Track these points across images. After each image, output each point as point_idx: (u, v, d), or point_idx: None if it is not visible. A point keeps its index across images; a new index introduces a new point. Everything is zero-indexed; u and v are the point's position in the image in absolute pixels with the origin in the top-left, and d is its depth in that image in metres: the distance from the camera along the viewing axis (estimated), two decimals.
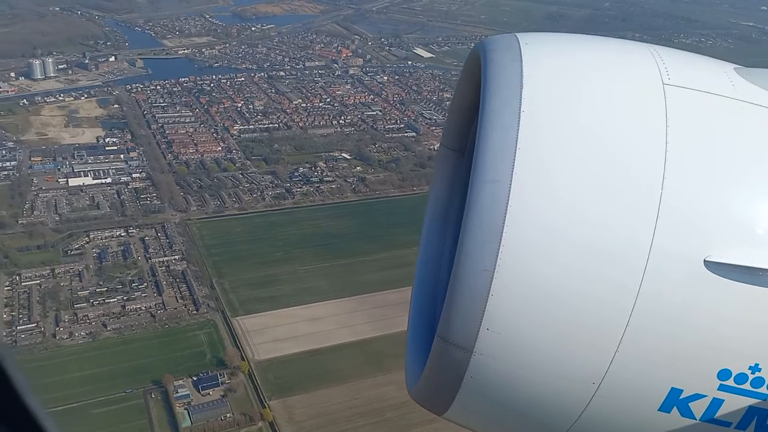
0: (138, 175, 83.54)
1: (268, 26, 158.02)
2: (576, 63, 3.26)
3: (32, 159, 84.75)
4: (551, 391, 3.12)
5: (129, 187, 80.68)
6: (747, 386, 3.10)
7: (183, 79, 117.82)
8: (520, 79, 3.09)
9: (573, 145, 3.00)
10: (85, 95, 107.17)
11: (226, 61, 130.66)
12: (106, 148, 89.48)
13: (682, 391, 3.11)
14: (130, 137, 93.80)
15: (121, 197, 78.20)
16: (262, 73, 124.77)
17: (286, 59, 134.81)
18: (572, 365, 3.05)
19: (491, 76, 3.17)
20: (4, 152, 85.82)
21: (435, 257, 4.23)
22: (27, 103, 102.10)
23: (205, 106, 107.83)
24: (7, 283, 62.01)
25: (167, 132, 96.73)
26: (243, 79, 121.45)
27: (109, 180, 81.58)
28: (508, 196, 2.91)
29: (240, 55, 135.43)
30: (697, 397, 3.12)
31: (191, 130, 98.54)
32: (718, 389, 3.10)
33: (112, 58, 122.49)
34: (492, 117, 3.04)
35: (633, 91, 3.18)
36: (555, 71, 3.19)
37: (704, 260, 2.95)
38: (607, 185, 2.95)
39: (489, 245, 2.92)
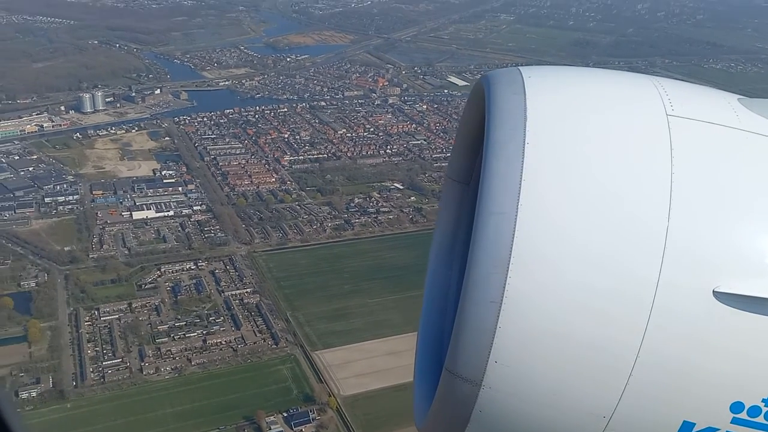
0: (198, 207, 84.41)
1: (303, 57, 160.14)
2: (579, 95, 3.30)
3: (94, 192, 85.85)
4: (562, 425, 3.07)
5: (192, 219, 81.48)
6: (761, 419, 3.04)
7: (228, 111, 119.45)
8: (523, 111, 3.13)
9: (578, 177, 3.01)
10: (136, 128, 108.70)
11: (266, 92, 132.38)
12: (164, 181, 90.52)
13: (695, 424, 3.06)
14: (185, 170, 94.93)
15: (186, 230, 78.96)
16: (304, 104, 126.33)
17: (325, 89, 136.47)
18: (582, 399, 3.02)
19: (495, 108, 3.21)
20: (65, 186, 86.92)
21: (442, 290, 4.23)
22: (80, 136, 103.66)
23: (253, 138, 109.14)
24: (87, 318, 62.50)
25: (220, 164, 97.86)
26: (286, 109, 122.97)
27: (171, 213, 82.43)
28: (514, 228, 2.91)
29: (279, 86, 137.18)
30: (710, 430, 3.06)
31: (243, 161, 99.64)
32: (731, 422, 3.05)
33: (158, 91, 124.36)
34: (497, 149, 3.07)
35: (637, 122, 3.19)
36: (558, 104, 3.23)
37: (713, 291, 2.93)
38: (612, 217, 2.95)
39: (496, 277, 2.92)
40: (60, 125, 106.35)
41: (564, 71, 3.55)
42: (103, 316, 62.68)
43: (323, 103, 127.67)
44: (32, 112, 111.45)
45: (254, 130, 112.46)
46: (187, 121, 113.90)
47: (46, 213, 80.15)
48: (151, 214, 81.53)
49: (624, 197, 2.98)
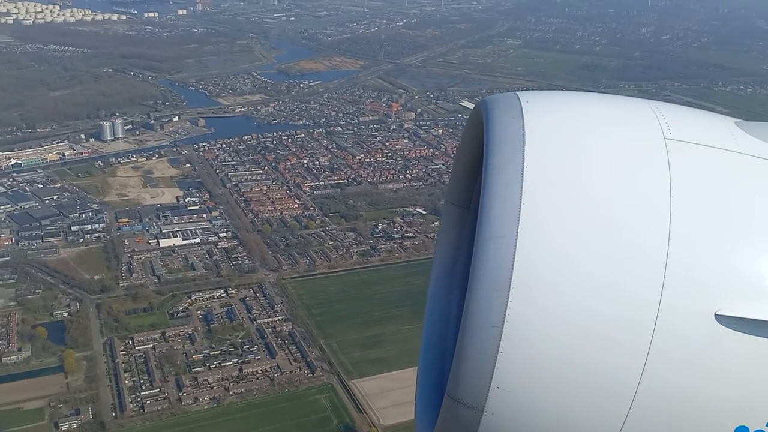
0: (224, 234, 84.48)
1: (316, 82, 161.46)
2: (577, 120, 3.30)
3: (119, 221, 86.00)
4: None
5: (218, 247, 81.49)
6: None
7: (246, 137, 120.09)
8: (522, 136, 3.13)
9: (577, 201, 3.01)
10: (156, 155, 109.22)
11: (282, 118, 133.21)
12: (188, 208, 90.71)
13: None
14: (208, 196, 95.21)
15: (213, 257, 78.93)
16: (321, 129, 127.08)
17: (340, 114, 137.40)
18: (585, 425, 2.99)
19: (494, 133, 3.22)
20: (90, 214, 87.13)
21: (442, 314, 4.19)
22: (102, 164, 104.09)
23: (273, 164, 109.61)
24: (122, 347, 62.23)
25: (242, 190, 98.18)
26: (303, 135, 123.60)
27: (197, 240, 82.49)
28: (514, 252, 2.91)
29: (295, 111, 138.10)
30: None
31: (265, 187, 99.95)
32: None
33: (176, 118, 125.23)
34: (496, 173, 3.07)
35: (635, 146, 3.18)
36: (556, 128, 3.23)
37: (715, 314, 2.92)
38: (612, 241, 2.94)
39: (496, 301, 2.90)
40: (81, 153, 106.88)
41: (561, 96, 3.59)
42: (137, 346, 62.41)
43: (339, 129, 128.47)
44: (52, 141, 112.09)
45: (273, 156, 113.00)
46: (206, 148, 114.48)
47: (73, 241, 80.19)
48: (177, 241, 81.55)
49: (624, 221, 2.98)
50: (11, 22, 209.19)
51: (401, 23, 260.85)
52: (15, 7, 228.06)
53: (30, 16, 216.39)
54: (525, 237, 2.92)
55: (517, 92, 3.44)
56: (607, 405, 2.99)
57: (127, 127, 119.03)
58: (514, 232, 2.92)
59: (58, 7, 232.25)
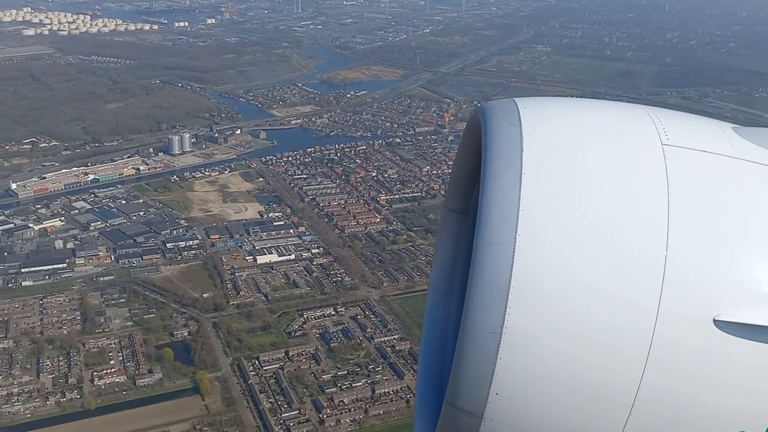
0: (317, 250, 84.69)
1: (361, 92, 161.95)
2: (575, 126, 3.32)
3: (211, 237, 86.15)
4: None
5: (314, 263, 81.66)
6: None
7: (309, 150, 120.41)
8: (520, 142, 3.15)
9: (575, 207, 3.02)
10: (227, 169, 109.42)
11: (339, 130, 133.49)
12: (274, 224, 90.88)
13: None
14: (290, 211, 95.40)
15: (313, 274, 79.11)
16: (380, 141, 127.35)
17: (395, 125, 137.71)
18: (585, 431, 2.99)
19: (492, 139, 3.24)
20: (181, 231, 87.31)
21: (441, 320, 4.18)
22: (177, 179, 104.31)
23: (342, 176, 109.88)
24: (251, 367, 62.39)
25: (321, 204, 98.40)
26: (364, 147, 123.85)
27: (292, 257, 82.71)
28: (513, 258, 2.91)
29: (350, 123, 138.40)
30: None
31: (342, 201, 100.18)
32: None
33: (238, 131, 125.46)
34: (494, 179, 3.08)
35: (633, 151, 3.20)
36: (554, 134, 3.25)
37: (713, 320, 2.91)
38: (610, 246, 2.95)
39: (495, 307, 2.90)
40: (155, 168, 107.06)
41: (559, 102, 3.61)
42: (264, 366, 62.55)
43: (398, 140, 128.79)
44: (123, 155, 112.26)
45: (341, 168, 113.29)
46: (273, 161, 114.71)
47: (172, 259, 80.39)
48: (273, 258, 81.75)
49: (622, 226, 2.99)
50: (47, 32, 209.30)
51: (428, 30, 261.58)
52: (47, 18, 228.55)
53: (64, 27, 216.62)
54: (523, 243, 2.93)
55: (514, 99, 3.48)
56: (607, 411, 2.98)
57: (192, 140, 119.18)
58: (513, 238, 2.94)
59: (88, 17, 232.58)
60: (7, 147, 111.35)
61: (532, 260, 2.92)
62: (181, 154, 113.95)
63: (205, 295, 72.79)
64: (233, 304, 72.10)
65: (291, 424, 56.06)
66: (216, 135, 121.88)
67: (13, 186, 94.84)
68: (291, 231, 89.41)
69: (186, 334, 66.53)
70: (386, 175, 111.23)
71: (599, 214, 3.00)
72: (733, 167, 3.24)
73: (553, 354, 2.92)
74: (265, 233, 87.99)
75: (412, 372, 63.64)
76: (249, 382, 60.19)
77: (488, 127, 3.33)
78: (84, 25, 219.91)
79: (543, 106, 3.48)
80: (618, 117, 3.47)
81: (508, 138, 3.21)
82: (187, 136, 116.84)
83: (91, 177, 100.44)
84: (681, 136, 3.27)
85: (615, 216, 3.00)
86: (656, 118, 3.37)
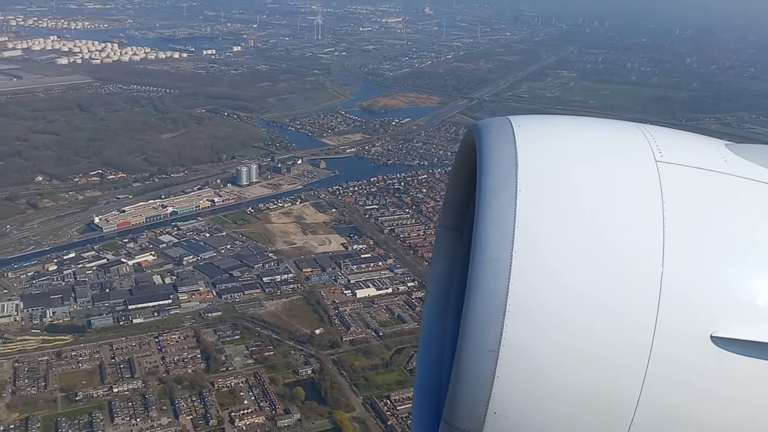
0: (412, 283, 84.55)
1: (405, 120, 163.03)
2: (569, 143, 3.32)
3: (303, 270, 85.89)
4: None
5: (413, 296, 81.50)
6: None
7: (372, 179, 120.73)
8: (515, 159, 3.15)
9: (571, 224, 3.02)
10: (298, 200, 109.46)
11: (396, 158, 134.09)
12: (362, 256, 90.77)
13: None
14: (372, 243, 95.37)
15: (416, 308, 78.86)
16: (438, 169, 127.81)
17: (448, 153, 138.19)
18: None
19: (487, 157, 3.24)
20: (272, 264, 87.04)
21: (438, 338, 4.16)
22: (253, 210, 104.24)
23: (413, 206, 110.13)
24: (385, 407, 61.85)
25: (402, 236, 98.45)
26: (425, 175, 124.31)
27: (389, 290, 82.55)
28: (509, 275, 2.91)
29: (403, 151, 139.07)
30: None
31: (420, 232, 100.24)
32: None
33: (299, 161, 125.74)
34: (490, 196, 3.08)
35: (627, 168, 3.21)
36: (549, 152, 3.25)
37: (711, 336, 2.92)
38: (607, 263, 2.95)
39: (492, 325, 2.88)
40: (228, 200, 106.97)
41: (553, 120, 3.62)
42: (397, 405, 62.05)
43: None
44: (192, 187, 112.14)
45: (409, 198, 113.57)
46: (340, 191, 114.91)
47: (271, 293, 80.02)
48: (372, 292, 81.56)
49: (618, 243, 3.00)
50: (80, 61, 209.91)
51: (450, 56, 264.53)
52: (75, 46, 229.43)
53: (95, 55, 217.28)
54: (520, 260, 2.94)
55: (508, 117, 3.51)
56: (606, 428, 2.98)
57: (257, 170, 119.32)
58: (509, 256, 2.94)
59: (116, 45, 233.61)
60: (77, 179, 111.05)
61: (529, 277, 2.93)
62: (249, 184, 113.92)
63: (317, 332, 72.36)
64: (347, 341, 71.66)
65: None
66: (279, 165, 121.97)
67: (96, 220, 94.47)
68: (380, 263, 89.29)
69: (310, 372, 66.01)
70: None
71: (595, 230, 3.02)
72: (727, 183, 3.25)
73: (551, 371, 2.92)
74: (354, 266, 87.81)
75: None
76: (389, 423, 59.63)
77: (483, 145, 3.33)
78: (114, 54, 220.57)
79: (537, 124, 3.49)
80: (612, 134, 3.50)
81: (503, 155, 3.21)
82: (255, 167, 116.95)
83: (170, 210, 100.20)
84: (675, 153, 3.29)
85: (611, 232, 3.01)
86: (649, 135, 3.39)
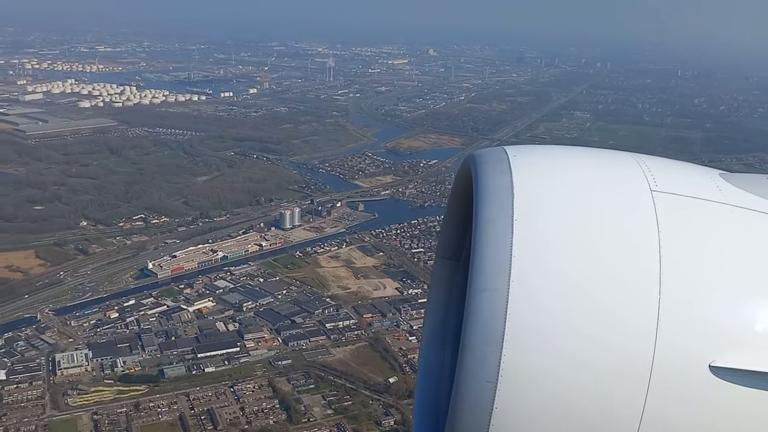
0: None
1: (432, 161, 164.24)
2: (565, 173, 3.33)
3: (363, 316, 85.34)
4: None
5: None
6: None
7: (413, 221, 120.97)
8: (511, 189, 3.17)
9: (567, 253, 3.01)
10: (343, 244, 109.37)
11: (432, 201, 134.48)
12: (419, 301, 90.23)
13: None
14: (426, 287, 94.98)
15: None
16: None
17: None
18: None
19: (483, 187, 3.25)
20: (331, 310, 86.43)
21: (436, 368, 4.15)
22: (301, 254, 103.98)
23: None
24: None
25: None
26: None
27: None
28: (507, 305, 2.90)
29: (437, 193, 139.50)
30: None
31: None
32: None
33: (338, 204, 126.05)
34: (486, 226, 3.08)
35: (622, 198, 3.22)
36: (545, 181, 3.25)
37: (709, 366, 2.91)
38: (603, 292, 2.95)
39: (490, 355, 2.87)
40: (275, 243, 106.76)
41: (548, 150, 3.62)
42: None
43: None
44: (236, 231, 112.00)
45: None
46: (383, 234, 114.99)
47: (337, 340, 79.28)
48: None
49: (614, 273, 3.00)
50: (101, 104, 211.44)
51: (462, 97, 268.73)
52: (94, 89, 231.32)
53: (116, 99, 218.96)
54: (517, 290, 2.94)
55: (504, 147, 3.53)
56: None
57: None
58: (506, 285, 2.94)
59: (134, 88, 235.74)
60: (121, 224, 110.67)
61: (526, 307, 2.92)
62: (292, 228, 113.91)
63: (390, 380, 71.46)
64: None
65: None
66: (320, 208, 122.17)
67: (150, 265, 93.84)
68: None
69: (392, 423, 64.96)
70: None
71: (592, 259, 3.02)
72: (721, 212, 3.27)
73: (550, 401, 2.91)
74: (414, 311, 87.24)
75: None
76: None
77: (479, 175, 3.34)
78: (134, 97, 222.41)
79: (533, 154, 3.50)
80: (607, 164, 3.51)
81: (499, 185, 3.23)
82: (297, 210, 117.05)
83: (220, 254, 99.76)
84: (669, 182, 3.30)
85: (607, 261, 3.01)
86: (644, 164, 3.41)
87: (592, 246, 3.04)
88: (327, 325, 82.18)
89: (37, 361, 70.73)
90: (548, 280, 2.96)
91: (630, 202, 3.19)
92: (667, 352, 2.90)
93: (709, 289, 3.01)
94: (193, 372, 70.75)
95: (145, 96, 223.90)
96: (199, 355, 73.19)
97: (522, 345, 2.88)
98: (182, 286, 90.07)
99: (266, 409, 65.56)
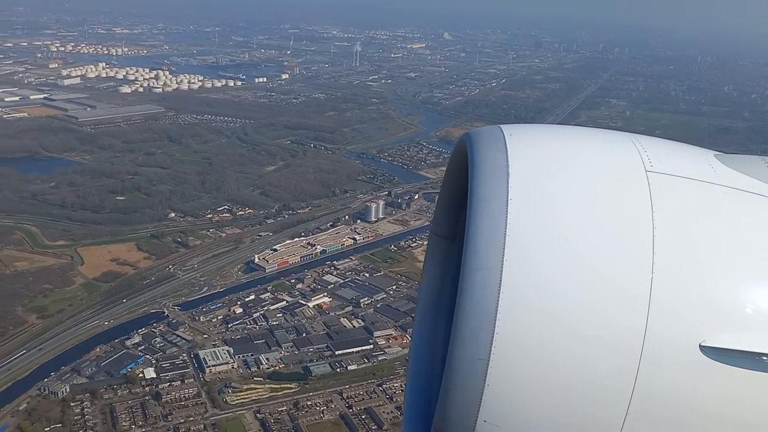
0: None
1: None
2: (560, 152, 3.34)
3: None
4: None
5: None
6: None
7: None
8: (506, 168, 3.17)
9: (561, 232, 3.02)
10: None
11: None
12: None
13: None
14: None
15: None
16: None
17: None
18: None
19: (478, 166, 3.25)
20: None
21: (428, 347, 4.17)
22: (396, 248, 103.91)
23: None
24: None
25: None
26: None
27: None
28: (500, 283, 2.92)
29: None
30: None
31: None
32: None
33: (416, 196, 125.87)
34: (481, 205, 3.08)
35: (617, 178, 3.23)
36: (540, 161, 3.26)
37: (700, 345, 2.94)
38: (597, 272, 2.97)
39: (483, 333, 2.89)
40: (367, 237, 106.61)
41: (544, 129, 3.62)
42: None
43: None
44: (326, 223, 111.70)
45: None
46: None
47: None
48: None
49: (607, 252, 3.02)
50: (141, 90, 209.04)
51: (494, 84, 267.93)
52: (128, 74, 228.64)
53: (153, 83, 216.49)
54: (510, 269, 2.96)
55: (500, 125, 3.53)
56: None
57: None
58: (500, 264, 2.96)
59: (167, 73, 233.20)
60: (209, 215, 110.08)
61: (519, 286, 2.94)
62: (377, 221, 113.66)
63: None
64: None
65: None
66: (399, 201, 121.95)
67: (256, 259, 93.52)
68: None
69: None
70: None
71: (585, 239, 3.03)
72: (716, 193, 3.29)
73: (541, 380, 2.94)
74: None
75: None
76: None
77: (474, 154, 3.35)
78: (170, 82, 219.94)
79: (528, 133, 3.51)
80: (602, 143, 3.52)
81: (494, 164, 3.23)
82: (381, 203, 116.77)
83: (319, 248, 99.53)
84: (664, 163, 3.31)
85: (601, 241, 3.04)
86: (639, 144, 3.42)
87: (587, 225, 3.06)
88: None
89: (181, 358, 70.59)
90: (542, 260, 2.97)
91: (624, 181, 3.20)
92: (659, 330, 2.92)
93: (702, 269, 3.03)
94: (338, 370, 70.86)
95: (181, 81, 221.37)
96: (336, 353, 73.27)
97: (515, 323, 2.90)
98: (292, 280, 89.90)
99: None
